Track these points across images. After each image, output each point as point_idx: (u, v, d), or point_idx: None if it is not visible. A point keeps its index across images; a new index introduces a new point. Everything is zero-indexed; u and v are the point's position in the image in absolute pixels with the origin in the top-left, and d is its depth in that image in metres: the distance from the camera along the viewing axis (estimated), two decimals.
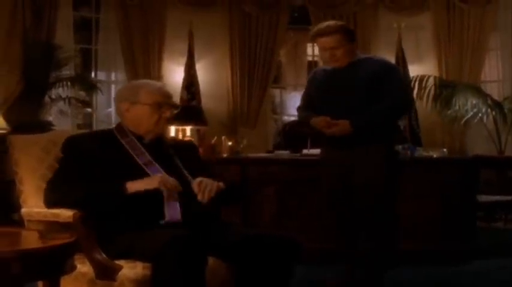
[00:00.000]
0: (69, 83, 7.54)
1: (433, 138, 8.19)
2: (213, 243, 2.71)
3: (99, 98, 8.46)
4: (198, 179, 2.78)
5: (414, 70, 8.16)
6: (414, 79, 7.87)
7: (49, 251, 2.25)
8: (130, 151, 2.90)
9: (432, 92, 7.84)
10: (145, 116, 2.94)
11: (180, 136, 6.61)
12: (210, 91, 8.46)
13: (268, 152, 7.09)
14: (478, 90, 7.94)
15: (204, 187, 2.75)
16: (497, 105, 7.79)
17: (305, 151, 5.49)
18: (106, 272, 2.56)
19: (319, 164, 4.28)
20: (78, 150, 2.88)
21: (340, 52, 4.00)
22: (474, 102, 7.77)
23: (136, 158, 2.88)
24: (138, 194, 2.72)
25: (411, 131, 7.97)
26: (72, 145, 2.92)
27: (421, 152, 5.56)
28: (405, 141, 6.58)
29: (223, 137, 5.97)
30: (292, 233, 2.97)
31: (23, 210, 2.97)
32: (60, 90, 7.53)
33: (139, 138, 2.96)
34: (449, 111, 7.88)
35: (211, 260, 2.60)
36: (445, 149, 5.95)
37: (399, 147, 5.09)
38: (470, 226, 5.27)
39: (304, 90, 4.42)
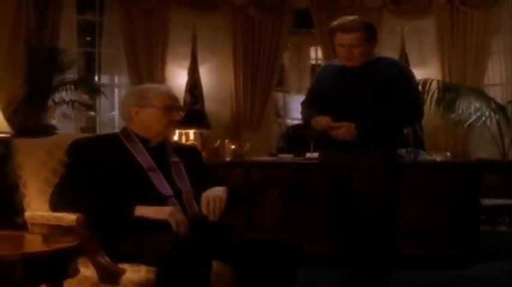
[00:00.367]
0: (72, 87, 7.53)
1: (436, 142, 8.18)
2: (217, 246, 2.71)
3: (102, 102, 8.46)
4: (205, 200, 2.77)
5: (417, 74, 8.11)
6: (417, 83, 7.86)
7: (52, 255, 2.26)
8: (134, 154, 2.91)
9: (435, 95, 7.83)
10: (155, 119, 2.96)
11: (184, 140, 6.62)
12: (213, 95, 8.46)
13: (272, 155, 7.09)
14: (481, 94, 7.93)
15: (212, 207, 2.75)
16: (500, 108, 7.79)
17: (308, 155, 5.49)
18: (109, 275, 2.56)
19: (318, 167, 4.20)
20: (83, 153, 2.89)
21: (359, 51, 3.83)
22: (477, 105, 7.76)
23: (141, 162, 2.89)
24: (143, 198, 2.74)
25: (414, 134, 7.96)
26: (77, 148, 2.93)
27: (424, 156, 5.56)
28: (408, 144, 6.57)
29: (226, 141, 5.97)
30: (295, 237, 2.97)
31: (27, 213, 2.97)
32: (63, 93, 7.53)
33: (146, 142, 2.97)
34: (452, 115, 7.87)
35: (214, 264, 2.61)
36: (448, 153, 5.95)
37: (402, 150, 5.10)
38: (473, 229, 5.26)
39: (310, 85, 4.25)
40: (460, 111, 7.81)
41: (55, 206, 2.81)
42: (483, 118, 7.75)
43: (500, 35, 8.36)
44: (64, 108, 7.61)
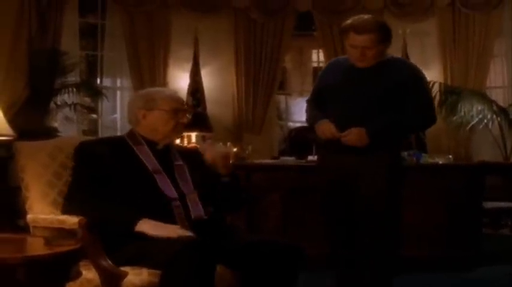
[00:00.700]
0: (74, 89, 7.55)
1: (438, 145, 8.17)
2: (220, 249, 2.72)
3: (104, 104, 8.47)
4: (213, 159, 2.97)
5: None
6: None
7: (54, 258, 2.26)
8: (141, 157, 2.93)
9: (437, 98, 7.82)
10: (163, 122, 2.99)
11: (186, 142, 6.62)
12: (215, 97, 8.46)
13: (274, 158, 7.09)
14: (483, 96, 7.93)
15: (223, 163, 2.96)
16: (502, 111, 7.79)
17: (310, 157, 5.49)
18: (111, 278, 2.56)
19: (317, 168, 4.03)
20: (90, 155, 2.92)
21: (372, 53, 3.61)
22: (479, 108, 7.76)
23: (147, 165, 2.91)
24: (148, 200, 2.77)
25: (417, 137, 7.95)
26: (84, 150, 2.96)
27: (426, 159, 5.56)
28: (411, 147, 6.57)
29: (228, 144, 5.96)
30: (296, 240, 2.97)
31: (29, 216, 2.97)
32: (65, 96, 7.54)
33: (152, 144, 2.99)
34: (454, 118, 7.87)
35: (217, 266, 2.61)
36: (450, 156, 5.95)
37: (405, 153, 5.09)
38: (475, 232, 5.26)
39: (316, 81, 4.04)
40: (462, 113, 7.81)
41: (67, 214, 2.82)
42: (485, 121, 7.76)
43: (502, 37, 8.36)
44: (66, 111, 7.63)
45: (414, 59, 8.25)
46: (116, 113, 8.72)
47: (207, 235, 2.72)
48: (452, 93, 7.94)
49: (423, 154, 5.73)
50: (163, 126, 2.99)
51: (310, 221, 5.03)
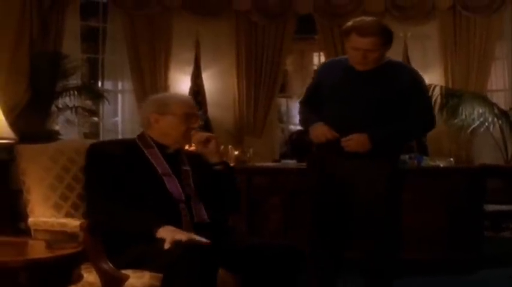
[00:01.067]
0: (76, 93, 7.55)
1: (439, 148, 8.17)
2: (221, 251, 2.72)
3: (105, 107, 8.47)
4: (200, 144, 3.07)
5: None
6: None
7: (56, 261, 2.26)
8: (151, 160, 2.96)
9: (438, 101, 7.82)
10: (174, 127, 3.02)
11: (187, 146, 6.61)
12: (216, 100, 8.46)
13: (275, 161, 7.10)
14: (484, 99, 7.92)
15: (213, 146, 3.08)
16: (503, 114, 7.79)
17: None
18: (113, 282, 2.57)
19: (306, 171, 3.93)
20: (103, 156, 2.96)
21: (374, 56, 3.55)
22: (480, 111, 7.75)
23: (157, 167, 2.94)
24: (156, 201, 2.81)
25: (418, 140, 7.94)
26: (96, 151, 3.00)
27: (427, 162, 5.56)
28: (412, 150, 6.56)
29: (229, 146, 5.97)
30: (297, 242, 2.98)
31: (30, 219, 2.98)
32: (67, 99, 7.54)
33: (163, 148, 3.02)
34: (455, 121, 7.87)
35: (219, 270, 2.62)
36: (451, 159, 5.95)
37: (406, 156, 5.09)
38: (477, 235, 5.26)
39: (311, 81, 3.99)
40: (463, 116, 7.80)
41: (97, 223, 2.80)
42: (486, 124, 7.75)
43: (503, 40, 8.35)
44: (67, 114, 7.64)
45: (415, 62, 8.26)
46: (117, 116, 8.73)
47: (209, 238, 2.72)
48: (453, 96, 7.94)
49: (424, 157, 5.74)
50: (174, 130, 3.02)
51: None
